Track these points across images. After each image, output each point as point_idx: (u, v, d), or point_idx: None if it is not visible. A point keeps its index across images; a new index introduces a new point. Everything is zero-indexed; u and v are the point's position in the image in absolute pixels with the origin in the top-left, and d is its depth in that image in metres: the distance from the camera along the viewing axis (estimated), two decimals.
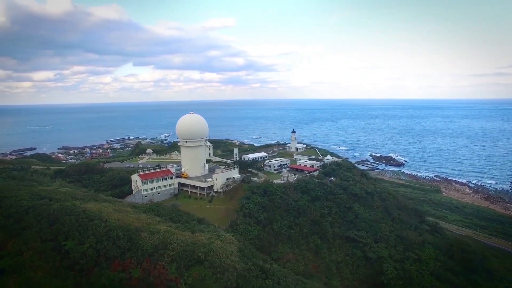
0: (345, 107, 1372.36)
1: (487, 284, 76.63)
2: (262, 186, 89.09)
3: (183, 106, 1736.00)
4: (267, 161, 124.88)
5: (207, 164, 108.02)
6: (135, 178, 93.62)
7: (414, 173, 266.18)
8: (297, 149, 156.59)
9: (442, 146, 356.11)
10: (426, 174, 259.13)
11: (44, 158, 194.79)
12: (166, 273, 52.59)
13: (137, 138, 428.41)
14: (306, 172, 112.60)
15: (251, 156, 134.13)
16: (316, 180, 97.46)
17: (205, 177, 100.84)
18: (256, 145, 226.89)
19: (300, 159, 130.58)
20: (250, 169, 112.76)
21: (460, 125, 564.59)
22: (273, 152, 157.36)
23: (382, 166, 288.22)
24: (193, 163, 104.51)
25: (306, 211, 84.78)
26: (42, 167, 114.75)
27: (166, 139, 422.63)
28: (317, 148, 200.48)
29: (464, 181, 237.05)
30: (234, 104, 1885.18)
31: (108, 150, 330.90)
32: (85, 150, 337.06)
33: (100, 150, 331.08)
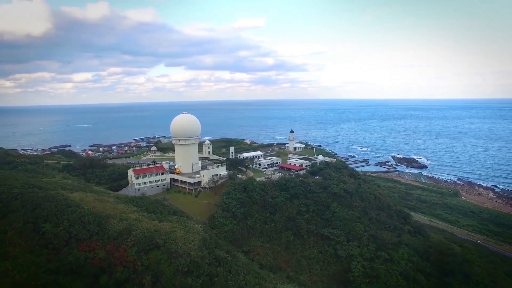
0: (376, 107, 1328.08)
1: (460, 286, 75.47)
2: (242, 183, 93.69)
3: (213, 106, 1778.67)
4: (258, 160, 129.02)
5: (199, 162, 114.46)
6: (130, 173, 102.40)
7: (435, 176, 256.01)
8: (294, 148, 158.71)
9: (472, 149, 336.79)
10: (448, 177, 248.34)
11: (69, 154, 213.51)
12: (127, 255, 59.26)
13: (163, 136, 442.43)
14: (293, 170, 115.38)
15: (246, 155, 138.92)
16: (300, 179, 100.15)
17: (193, 173, 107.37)
18: (263, 144, 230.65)
19: (292, 158, 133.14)
20: (239, 167, 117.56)
21: (498, 127, 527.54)
22: (272, 151, 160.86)
23: (402, 168, 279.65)
24: (185, 160, 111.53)
25: (282, 208, 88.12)
26: (53, 161, 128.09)
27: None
28: (322, 148, 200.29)
29: (489, 185, 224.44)
30: (263, 104, 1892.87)
31: (134, 148, 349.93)
32: (113, 147, 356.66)
33: (126, 148, 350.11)
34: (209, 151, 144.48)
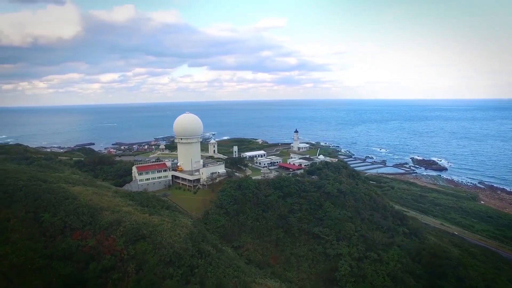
0: (400, 108, 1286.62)
1: None
2: (238, 181, 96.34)
3: (235, 105, 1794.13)
4: (257, 159, 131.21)
5: (201, 160, 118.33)
6: (134, 169, 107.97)
7: (455, 179, 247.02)
8: (299, 148, 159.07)
9: (500, 152, 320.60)
10: (469, 180, 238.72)
11: (88, 152, 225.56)
12: (115, 245, 63.68)
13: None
14: (291, 170, 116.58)
15: (248, 154, 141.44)
16: (296, 178, 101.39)
17: (193, 171, 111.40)
18: (278, 143, 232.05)
19: (292, 158, 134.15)
20: (238, 165, 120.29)
21: None
22: (276, 150, 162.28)
23: (421, 170, 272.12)
24: (187, 158, 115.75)
25: (274, 206, 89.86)
26: (66, 158, 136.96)
27: (210, 138, 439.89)
28: (339, 149, 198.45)
29: None
30: (285, 104, 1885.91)
31: (153, 147, 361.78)
32: (134, 146, 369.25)
33: (146, 147, 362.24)
34: (214, 150, 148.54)
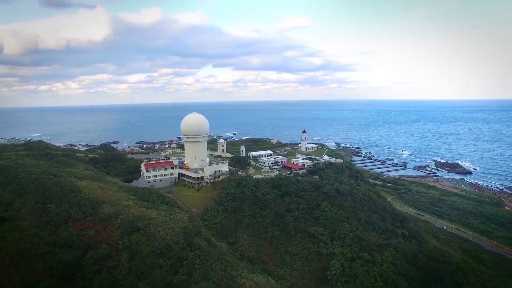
0: (428, 109, 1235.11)
1: None
2: (238, 179, 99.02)
3: (258, 106, 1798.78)
4: (262, 158, 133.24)
5: (207, 158, 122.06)
6: (142, 166, 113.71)
7: (479, 183, 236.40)
8: (306, 148, 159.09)
9: None
10: (494, 185, 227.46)
11: (109, 149, 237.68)
12: (112, 235, 68.46)
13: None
14: (293, 170, 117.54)
15: (255, 153, 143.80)
16: (296, 177, 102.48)
17: (197, 169, 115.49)
18: (283, 142, 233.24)
19: (297, 158, 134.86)
20: (242, 164, 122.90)
21: None
22: (284, 150, 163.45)
23: (443, 173, 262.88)
24: (193, 157, 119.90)
25: (271, 204, 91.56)
26: (82, 154, 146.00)
27: (231, 137, 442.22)
28: (360, 150, 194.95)
29: None
30: (309, 105, 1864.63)
31: (166, 145, 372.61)
32: (156, 144, 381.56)
33: (167, 145, 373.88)
34: (223, 149, 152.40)
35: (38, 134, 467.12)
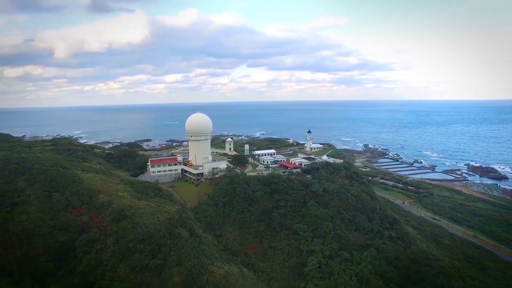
0: (470, 109, 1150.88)
1: None
2: (230, 176, 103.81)
3: (292, 106, 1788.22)
4: (261, 157, 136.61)
5: (210, 156, 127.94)
6: (148, 162, 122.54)
7: None
8: (311, 148, 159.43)
9: None
10: None
11: (134, 146, 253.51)
12: (103, 221, 76.65)
13: (234, 135, 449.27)
14: (288, 168, 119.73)
15: (258, 152, 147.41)
16: (288, 176, 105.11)
17: (197, 165, 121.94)
18: (300, 142, 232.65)
19: (296, 157, 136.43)
20: (242, 162, 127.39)
21: None
22: (289, 150, 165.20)
23: (474, 178, 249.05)
24: (196, 154, 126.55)
25: (259, 200, 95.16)
26: (100, 150, 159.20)
27: (259, 137, 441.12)
28: (388, 152, 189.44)
29: None
30: (343, 105, 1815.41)
31: (185, 143, 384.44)
32: (184, 142, 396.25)
33: (178, 144, 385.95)
34: (230, 148, 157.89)
35: (79, 131, 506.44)
